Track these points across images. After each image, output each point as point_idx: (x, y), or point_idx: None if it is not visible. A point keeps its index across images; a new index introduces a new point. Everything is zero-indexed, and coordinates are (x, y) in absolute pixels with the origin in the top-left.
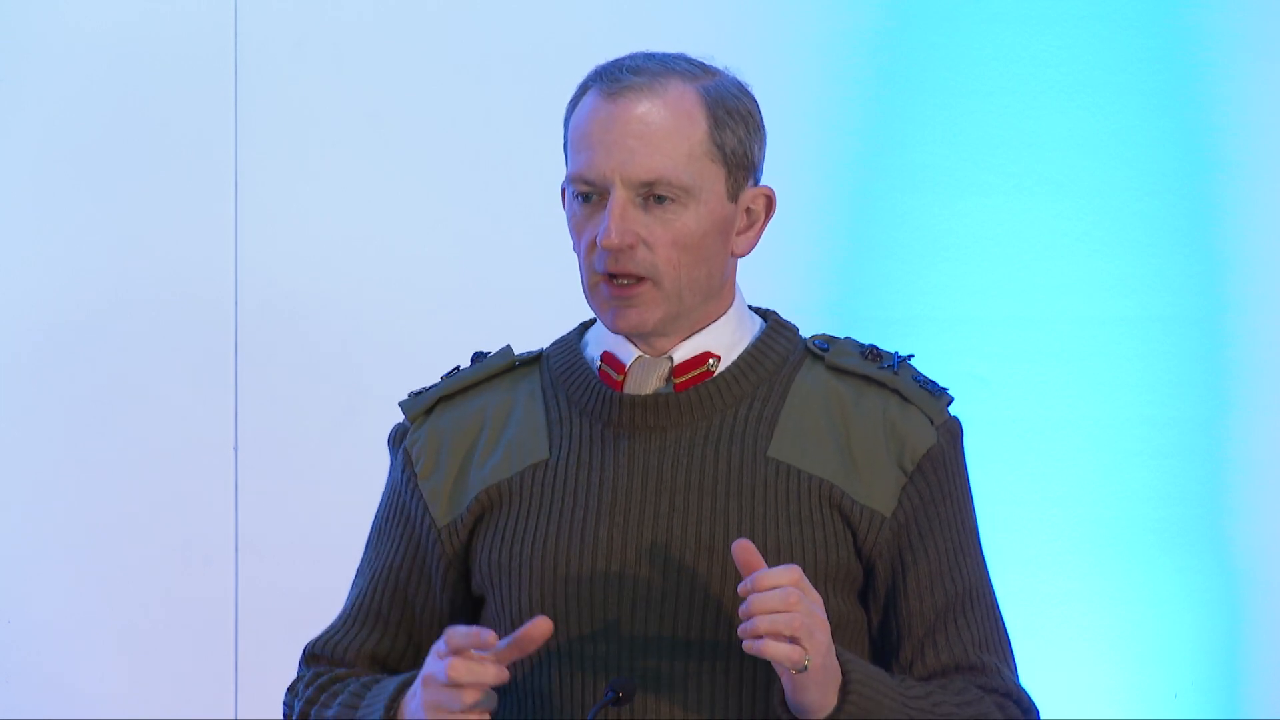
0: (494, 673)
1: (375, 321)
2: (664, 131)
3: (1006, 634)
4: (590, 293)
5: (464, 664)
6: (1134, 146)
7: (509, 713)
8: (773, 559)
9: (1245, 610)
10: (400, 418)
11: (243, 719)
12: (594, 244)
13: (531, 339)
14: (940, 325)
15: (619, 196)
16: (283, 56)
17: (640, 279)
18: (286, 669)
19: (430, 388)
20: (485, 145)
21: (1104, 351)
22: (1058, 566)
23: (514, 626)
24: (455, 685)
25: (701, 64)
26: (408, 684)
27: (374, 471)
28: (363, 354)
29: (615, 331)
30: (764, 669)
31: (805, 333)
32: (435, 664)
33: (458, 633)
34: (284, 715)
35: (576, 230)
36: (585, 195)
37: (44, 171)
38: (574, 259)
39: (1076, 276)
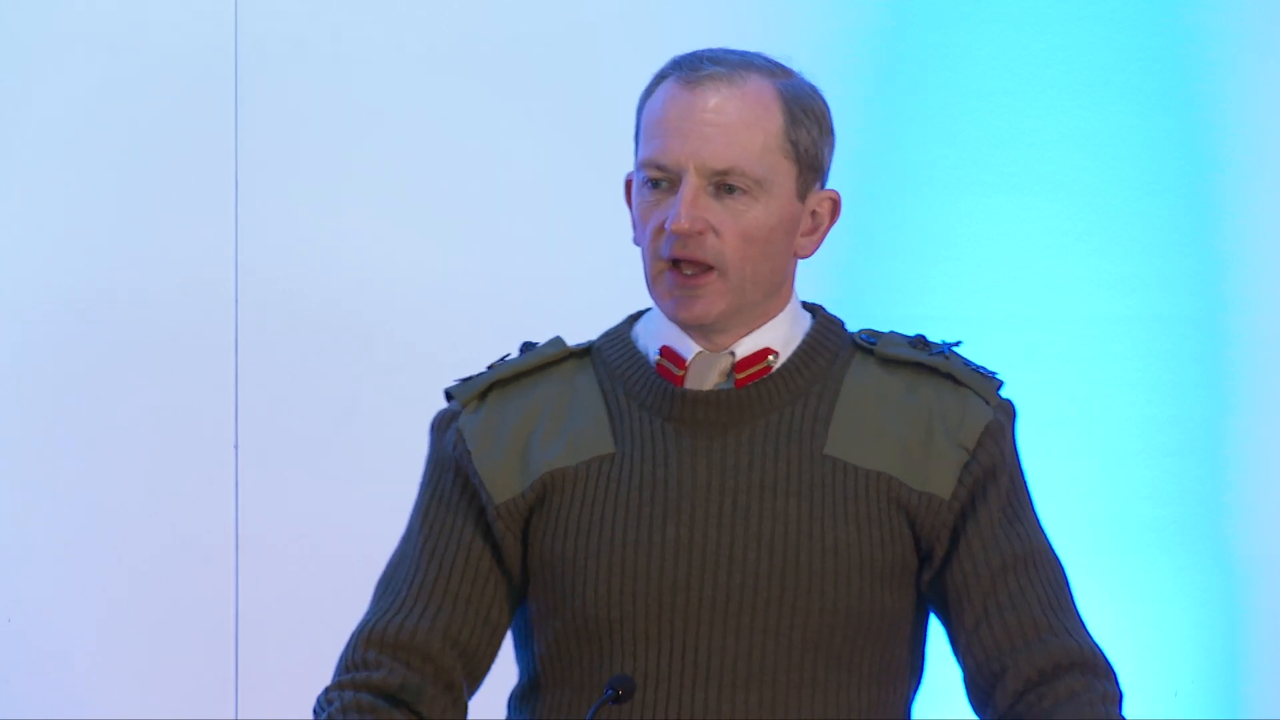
0: None
1: (375, 321)
2: (741, 122)
3: (1074, 600)
4: (653, 281)
5: None
6: (1134, 146)
7: (570, 704)
8: (831, 558)
9: (1245, 610)
10: (439, 407)
11: (243, 719)
12: (661, 229)
13: (533, 335)
14: (940, 325)
15: (692, 183)
16: (283, 56)
17: (707, 269)
18: (287, 669)
19: (479, 375)
20: (485, 144)
21: (1104, 351)
22: None
23: (576, 619)
24: None
25: (779, 63)
26: None
27: (374, 471)
28: (363, 353)
29: (676, 322)
30: (827, 672)
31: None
32: None
33: None
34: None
35: (643, 217)
36: (655, 181)
37: (43, 170)
38: (574, 257)
39: (1076, 276)
